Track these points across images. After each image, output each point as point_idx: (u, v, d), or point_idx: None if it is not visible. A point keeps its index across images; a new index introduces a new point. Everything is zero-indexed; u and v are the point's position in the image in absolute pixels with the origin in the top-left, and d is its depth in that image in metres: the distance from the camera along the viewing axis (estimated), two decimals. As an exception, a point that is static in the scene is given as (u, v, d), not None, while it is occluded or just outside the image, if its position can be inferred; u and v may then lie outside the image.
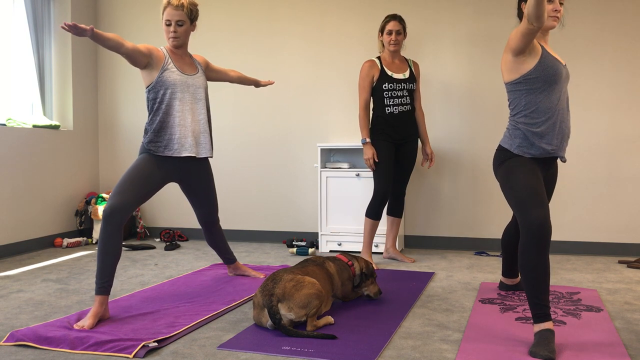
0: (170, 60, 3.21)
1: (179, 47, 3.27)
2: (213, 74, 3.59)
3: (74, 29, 2.65)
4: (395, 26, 4.18)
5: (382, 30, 4.24)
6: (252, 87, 5.33)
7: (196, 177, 3.41)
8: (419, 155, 4.95)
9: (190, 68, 3.32)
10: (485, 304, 3.17)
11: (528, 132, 2.66)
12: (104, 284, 2.87)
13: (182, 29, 3.23)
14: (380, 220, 4.65)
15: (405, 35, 4.25)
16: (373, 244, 4.65)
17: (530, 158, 2.69)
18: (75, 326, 2.72)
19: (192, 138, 3.24)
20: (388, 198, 4.19)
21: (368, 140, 4.17)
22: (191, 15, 3.25)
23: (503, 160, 2.74)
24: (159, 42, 5.48)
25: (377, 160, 4.15)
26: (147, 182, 3.07)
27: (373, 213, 4.18)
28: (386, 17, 4.22)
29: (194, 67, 3.36)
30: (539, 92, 2.64)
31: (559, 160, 4.70)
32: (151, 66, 3.15)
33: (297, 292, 2.66)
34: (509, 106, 2.77)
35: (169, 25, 3.21)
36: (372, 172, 4.46)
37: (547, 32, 2.76)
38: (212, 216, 3.60)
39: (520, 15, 2.86)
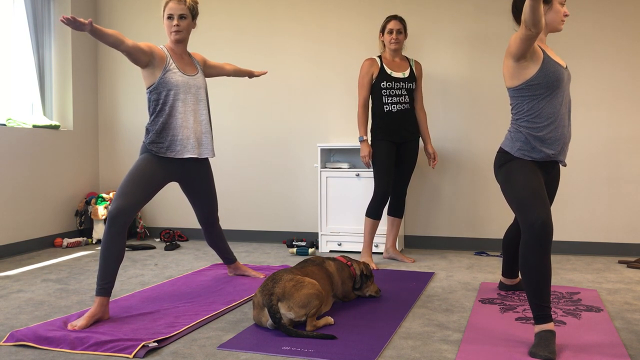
0: (172, 60, 3.20)
1: (181, 41, 3.26)
2: (211, 71, 3.59)
3: (73, 23, 2.64)
4: (395, 25, 4.19)
5: (382, 30, 4.25)
6: (253, 88, 5.34)
7: (197, 177, 3.42)
8: (422, 157, 4.95)
9: (190, 68, 3.32)
10: (485, 304, 3.16)
11: (530, 136, 2.65)
12: (105, 286, 2.87)
13: (184, 23, 3.23)
14: (381, 220, 4.66)
15: (405, 35, 4.26)
16: (373, 244, 4.66)
17: (531, 161, 2.68)
18: (69, 326, 2.71)
19: (194, 139, 3.24)
20: (388, 198, 4.20)
21: (365, 138, 4.18)
22: (193, 11, 3.26)
23: (503, 162, 2.74)
24: (158, 42, 5.48)
25: (372, 159, 4.17)
26: (150, 183, 3.07)
27: (373, 213, 4.19)
28: (387, 17, 4.24)
29: (194, 67, 3.36)
30: (541, 98, 2.63)
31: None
32: (153, 65, 3.13)
33: (297, 292, 2.66)
34: (511, 110, 2.76)
35: (170, 19, 3.21)
36: (372, 172, 4.46)
37: (547, 33, 2.76)
38: (212, 216, 3.60)
39: (515, 15, 2.84)
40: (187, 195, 3.50)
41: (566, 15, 2.70)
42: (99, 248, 5.01)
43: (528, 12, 2.36)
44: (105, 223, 5.27)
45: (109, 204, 5.30)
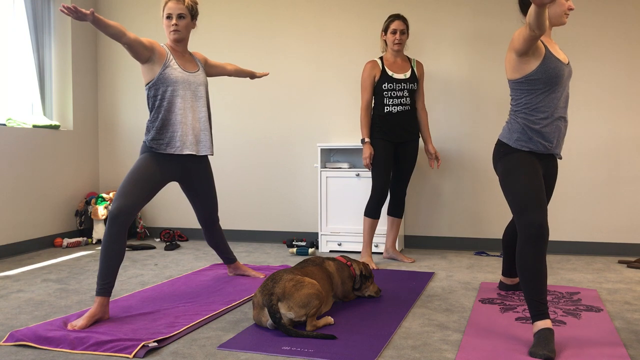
0: (172, 57, 3.21)
1: (180, 41, 3.27)
2: (212, 70, 3.59)
3: (74, 13, 2.63)
4: (399, 25, 4.19)
5: (385, 30, 4.25)
6: (253, 88, 5.34)
7: (196, 176, 3.42)
8: (422, 157, 4.95)
9: (191, 65, 3.32)
10: (485, 304, 3.16)
11: (527, 127, 2.69)
12: (105, 285, 2.87)
13: (183, 23, 3.23)
14: (381, 220, 4.67)
15: (407, 35, 4.27)
16: (373, 244, 4.66)
17: (529, 153, 2.70)
18: (69, 326, 2.71)
19: (192, 136, 3.24)
20: (386, 196, 4.20)
21: (367, 140, 4.19)
22: (192, 11, 3.26)
23: (503, 155, 2.76)
24: (158, 41, 5.47)
25: (373, 164, 4.18)
26: (150, 182, 3.08)
27: (371, 212, 4.19)
28: (390, 17, 4.23)
29: (195, 64, 3.36)
30: (540, 93, 2.66)
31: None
32: (152, 61, 3.13)
33: (297, 292, 2.66)
34: (510, 102, 2.79)
35: (169, 18, 3.21)
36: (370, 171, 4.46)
37: (552, 27, 2.77)
38: (212, 216, 3.60)
39: (523, 10, 2.84)
40: (187, 194, 3.51)
41: (571, 9, 2.70)
42: (99, 248, 5.02)
43: (533, 16, 2.38)
44: (105, 223, 5.28)
45: (109, 204, 5.30)
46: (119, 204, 2.92)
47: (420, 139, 4.92)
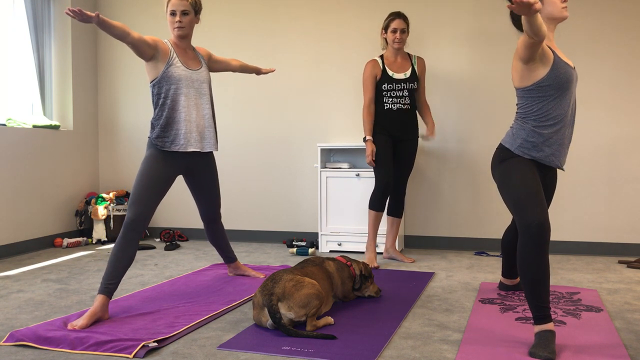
0: (175, 54, 3.22)
1: (184, 37, 3.28)
2: (216, 65, 3.60)
3: (80, 15, 2.66)
4: (400, 24, 4.19)
5: (386, 28, 4.25)
6: (253, 87, 5.34)
7: (201, 171, 3.45)
8: (422, 157, 4.96)
9: (194, 62, 3.33)
10: (485, 304, 3.16)
11: (534, 132, 2.64)
12: (110, 286, 2.89)
13: (187, 19, 3.25)
14: (381, 219, 4.66)
15: (408, 33, 4.27)
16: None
17: (530, 160, 2.68)
18: (69, 325, 2.71)
19: (196, 133, 3.27)
20: (390, 188, 4.20)
21: (369, 138, 4.19)
22: (195, 7, 3.28)
23: (502, 159, 2.73)
24: (160, 37, 5.47)
25: (374, 159, 4.19)
26: (161, 183, 3.14)
27: (376, 204, 4.20)
28: (390, 15, 4.22)
29: (198, 61, 3.38)
30: (551, 99, 2.62)
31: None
32: (156, 59, 3.16)
33: (297, 292, 2.66)
34: (518, 109, 2.74)
35: (173, 15, 3.23)
36: (372, 172, 4.46)
37: (556, 24, 2.73)
38: (215, 212, 3.62)
39: (516, 25, 2.83)
40: (191, 189, 3.53)
41: (565, 1, 2.68)
42: (100, 248, 5.02)
43: (526, 25, 2.36)
44: (105, 223, 5.28)
45: (109, 204, 5.30)
46: (136, 210, 2.97)
47: (420, 139, 4.93)
